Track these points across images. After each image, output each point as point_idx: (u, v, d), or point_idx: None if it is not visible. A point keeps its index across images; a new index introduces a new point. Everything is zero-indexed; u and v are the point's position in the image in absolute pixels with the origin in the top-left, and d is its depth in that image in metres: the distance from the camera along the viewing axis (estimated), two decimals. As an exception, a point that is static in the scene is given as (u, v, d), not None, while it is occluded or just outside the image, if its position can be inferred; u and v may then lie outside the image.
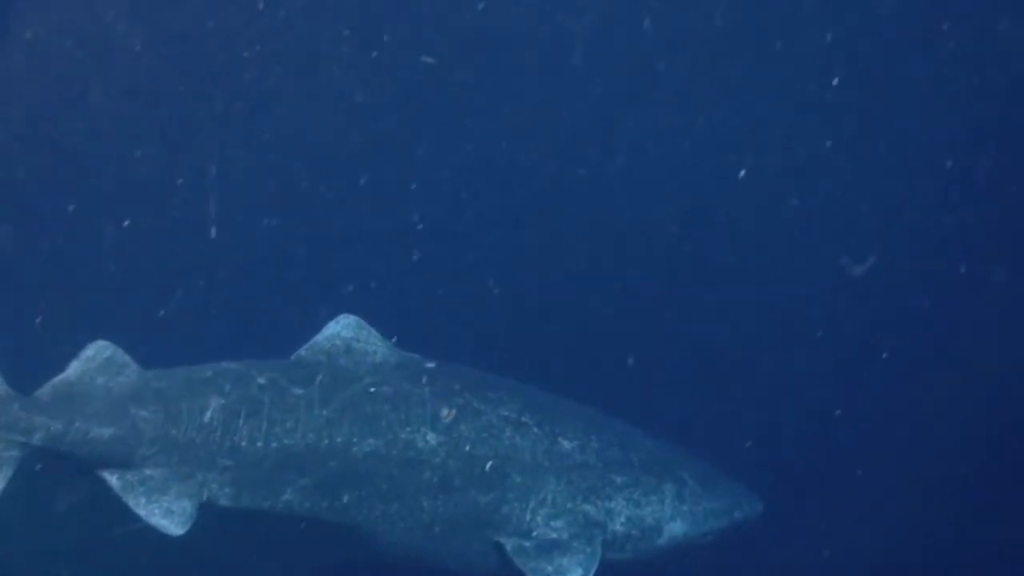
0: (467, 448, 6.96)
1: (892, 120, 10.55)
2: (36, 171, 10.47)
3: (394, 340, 7.37)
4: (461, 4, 11.19)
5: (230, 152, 10.63)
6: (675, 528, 7.25)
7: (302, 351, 7.26)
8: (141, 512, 6.48)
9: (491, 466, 6.97)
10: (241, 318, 9.84)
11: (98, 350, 6.97)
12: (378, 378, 7.08)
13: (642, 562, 7.20)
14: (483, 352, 8.28)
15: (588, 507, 7.07)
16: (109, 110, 10.89)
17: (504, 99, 10.98)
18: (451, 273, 10.36)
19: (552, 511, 7.01)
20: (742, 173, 10.54)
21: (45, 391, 6.78)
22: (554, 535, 6.95)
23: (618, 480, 7.19)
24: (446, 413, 6.96)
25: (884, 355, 9.50)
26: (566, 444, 7.18)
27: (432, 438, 6.93)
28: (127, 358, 6.99)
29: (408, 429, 6.93)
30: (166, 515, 6.48)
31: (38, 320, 9.26)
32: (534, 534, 6.94)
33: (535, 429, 7.15)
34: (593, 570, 6.88)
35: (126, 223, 10.08)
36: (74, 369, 6.90)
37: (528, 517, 6.97)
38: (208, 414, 6.77)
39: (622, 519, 7.12)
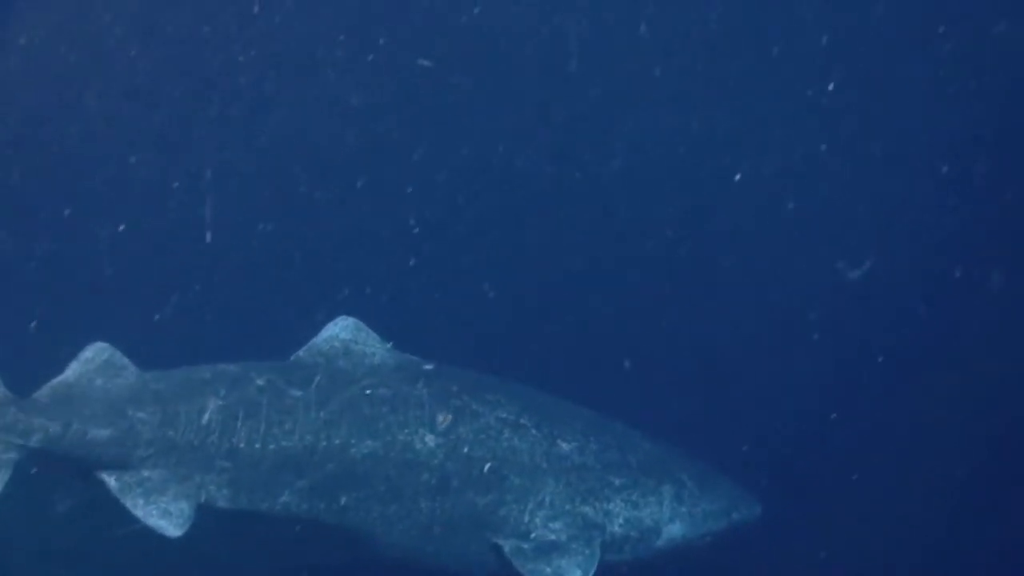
0: (465, 450, 6.96)
1: (888, 124, 10.55)
2: (33, 174, 10.46)
3: (390, 345, 7.35)
4: (456, 7, 11.20)
5: (227, 155, 10.62)
6: (673, 529, 7.25)
7: (300, 353, 7.26)
8: (139, 513, 6.48)
9: (489, 468, 6.96)
10: (239, 321, 9.83)
11: (97, 352, 6.98)
12: (376, 380, 7.08)
13: (640, 563, 7.20)
14: (481, 354, 8.26)
15: (586, 509, 7.07)
16: (105, 113, 10.89)
17: (500, 102, 10.98)
18: (448, 275, 10.36)
19: (550, 513, 7.00)
20: (738, 176, 10.55)
21: (44, 392, 6.79)
22: (552, 537, 6.95)
23: (616, 482, 7.19)
24: (441, 419, 6.94)
25: (880, 358, 9.48)
26: (564, 446, 7.18)
27: (430, 440, 6.93)
28: (125, 360, 7.00)
29: (406, 431, 6.93)
30: (164, 516, 6.49)
31: (33, 324, 9.25)
32: (532, 536, 6.94)
33: (533, 431, 7.14)
34: (591, 572, 6.87)
35: (125, 226, 10.08)
36: (73, 371, 6.91)
37: (526, 519, 6.97)
38: (206, 416, 6.78)
39: (620, 521, 7.12)
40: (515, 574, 6.81)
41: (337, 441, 6.82)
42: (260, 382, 6.93)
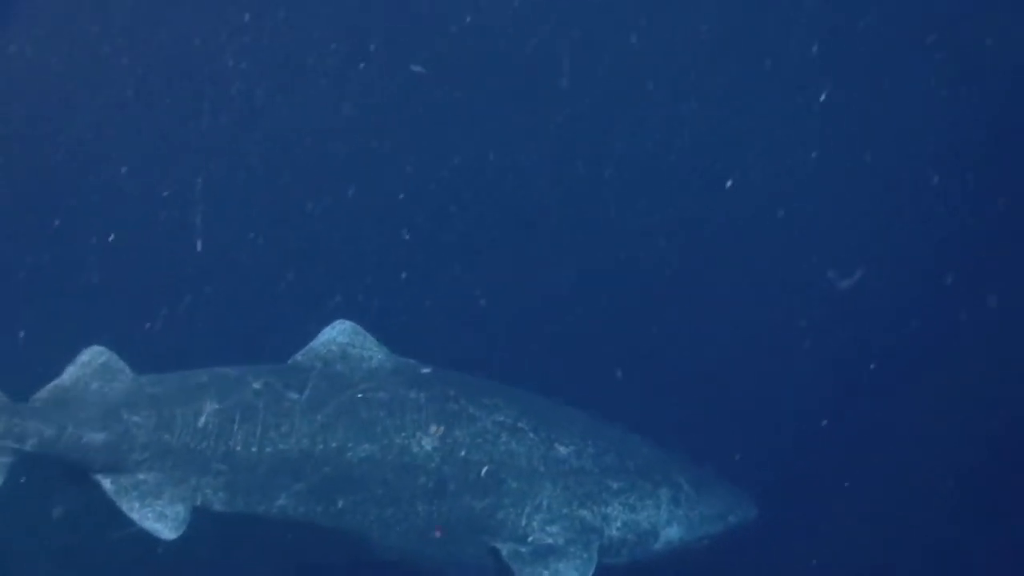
0: (462, 453, 6.95)
1: (879, 132, 10.62)
2: (30, 178, 10.46)
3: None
4: (448, 16, 11.23)
5: (224, 158, 10.63)
6: (671, 533, 7.26)
7: (298, 356, 7.23)
8: (134, 516, 6.49)
9: (487, 471, 6.96)
10: (237, 325, 9.82)
11: (94, 355, 6.97)
12: (373, 384, 7.07)
13: (638, 566, 7.21)
14: (479, 358, 8.27)
15: (584, 512, 7.07)
16: (97, 123, 10.89)
17: (492, 109, 11.02)
18: (445, 279, 10.38)
19: (548, 516, 7.00)
20: (729, 184, 10.60)
21: (40, 396, 6.78)
22: (550, 540, 6.95)
23: (614, 485, 7.19)
24: (434, 430, 6.94)
25: (872, 365, 9.52)
26: (562, 449, 7.17)
27: (427, 443, 6.92)
28: (122, 363, 6.99)
29: (403, 434, 6.92)
30: (159, 519, 6.49)
31: (23, 334, 9.23)
32: (530, 539, 6.93)
33: (531, 434, 7.14)
34: (590, 575, 6.87)
35: (125, 230, 10.08)
36: (69, 374, 6.90)
37: (524, 522, 6.96)
38: (202, 419, 6.77)
39: (618, 524, 7.12)
40: (512, 578, 6.81)
41: (334, 444, 6.81)
42: (257, 385, 6.93)
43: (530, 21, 11.15)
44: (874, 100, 10.65)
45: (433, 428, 6.93)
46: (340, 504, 6.78)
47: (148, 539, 6.47)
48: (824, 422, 9.32)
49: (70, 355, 6.94)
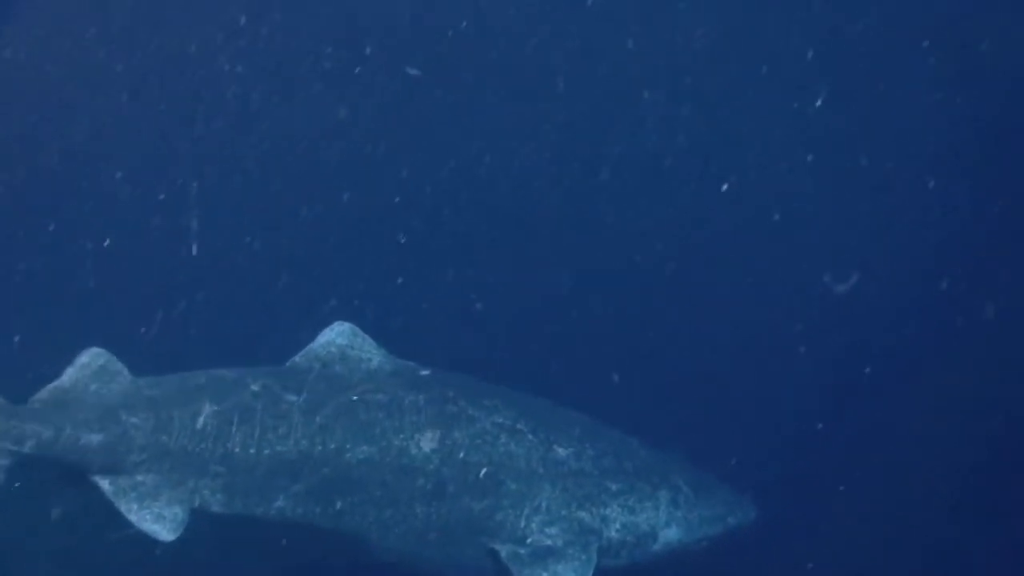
0: (461, 455, 6.95)
1: (876, 136, 10.65)
2: (33, 178, 10.47)
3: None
4: (444, 20, 11.25)
5: (226, 157, 10.64)
6: (670, 534, 7.25)
7: (296, 358, 7.24)
8: (132, 517, 6.49)
9: (485, 473, 6.95)
10: (236, 327, 9.82)
11: (92, 357, 6.99)
12: (372, 386, 7.07)
13: (637, 568, 7.20)
14: (478, 360, 8.27)
15: (583, 514, 7.06)
16: (92, 128, 10.89)
17: (488, 113, 11.03)
18: (444, 281, 10.38)
19: (547, 518, 6.99)
20: (725, 187, 10.62)
21: (40, 397, 6.80)
22: (549, 542, 6.94)
23: (613, 487, 7.19)
24: (429, 437, 6.94)
25: (869, 367, 9.55)
26: (561, 451, 7.17)
27: (426, 445, 6.91)
28: (120, 365, 7.01)
29: (402, 436, 6.92)
30: (157, 521, 6.49)
31: (17, 339, 9.23)
32: (529, 541, 6.93)
33: (530, 436, 7.13)
34: None
35: (125, 233, 10.08)
36: (68, 376, 6.92)
37: (523, 524, 6.96)
38: (200, 420, 6.77)
39: (617, 526, 7.12)
40: (512, 580, 6.81)
41: (332, 446, 6.81)
42: (255, 387, 6.93)
43: (526, 24, 11.18)
44: (870, 104, 10.68)
45: (429, 434, 6.92)
46: (338, 506, 6.78)
47: (146, 540, 6.47)
48: (823, 423, 9.33)
49: (69, 358, 6.94)
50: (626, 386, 9.25)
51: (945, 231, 10.23)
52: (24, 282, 10.10)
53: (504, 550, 6.88)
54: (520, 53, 11.07)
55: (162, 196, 10.44)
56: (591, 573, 6.89)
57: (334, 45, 11.40)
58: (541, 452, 7.11)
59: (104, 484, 6.54)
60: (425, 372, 7.27)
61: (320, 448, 6.79)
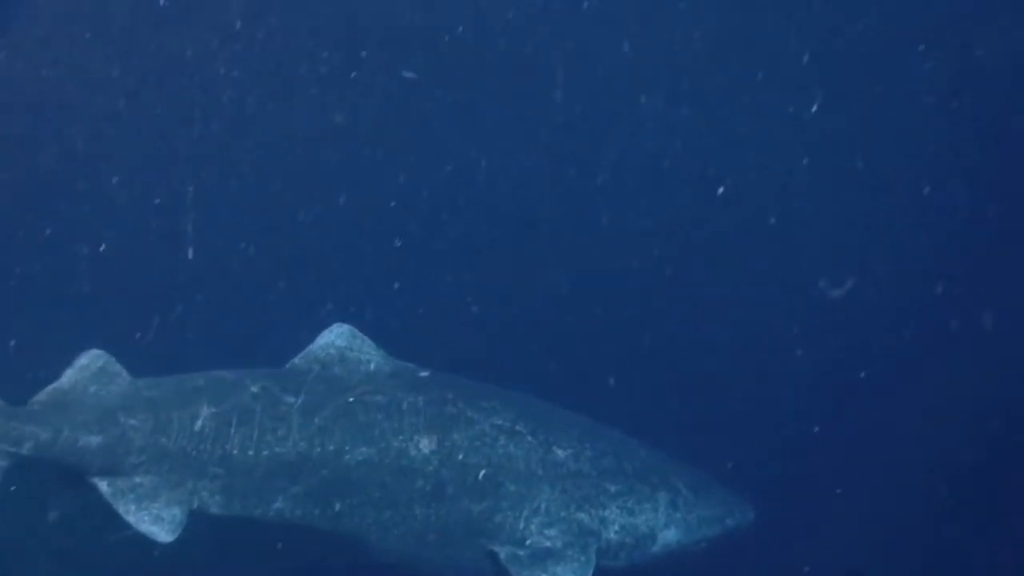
0: (460, 457, 6.95)
1: (871, 141, 10.69)
2: (36, 176, 10.49)
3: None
4: (440, 24, 11.27)
5: (228, 157, 10.65)
6: (669, 536, 7.25)
7: (296, 360, 7.25)
8: (131, 519, 6.50)
9: (484, 475, 6.96)
10: (235, 330, 9.82)
11: (92, 359, 7.00)
12: (371, 387, 7.07)
13: (636, 569, 7.21)
14: (477, 361, 8.27)
15: (582, 515, 7.07)
16: (89, 131, 10.90)
17: (485, 116, 11.05)
18: (440, 284, 10.40)
19: (546, 519, 7.00)
20: (721, 190, 10.65)
21: (40, 398, 6.81)
22: (548, 543, 6.94)
23: (612, 489, 7.19)
24: (425, 443, 6.94)
25: (870, 367, 9.57)
26: (560, 453, 7.17)
27: (425, 447, 6.91)
28: (119, 367, 7.02)
29: (401, 438, 6.92)
30: (155, 522, 6.49)
31: (12, 343, 9.22)
32: (528, 542, 6.93)
33: (529, 438, 7.14)
34: None
35: (125, 236, 10.09)
36: (67, 377, 6.94)
37: (522, 525, 6.96)
38: (199, 422, 6.78)
39: (616, 527, 7.12)
40: (511, 581, 6.81)
41: (331, 448, 6.81)
42: (254, 389, 6.94)
43: (522, 28, 11.18)
44: (866, 108, 10.71)
45: (425, 441, 6.92)
46: (337, 507, 6.78)
47: (145, 542, 6.47)
48: (821, 424, 9.35)
49: (68, 359, 6.96)
50: (624, 387, 9.26)
51: (941, 234, 10.25)
52: (24, 284, 10.10)
53: (503, 551, 6.88)
54: (516, 56, 11.08)
55: (162, 198, 10.44)
56: (590, 574, 6.89)
57: (330, 49, 11.39)
58: (540, 454, 7.12)
59: (103, 485, 6.55)
60: (424, 374, 7.28)
61: (319, 450, 6.79)
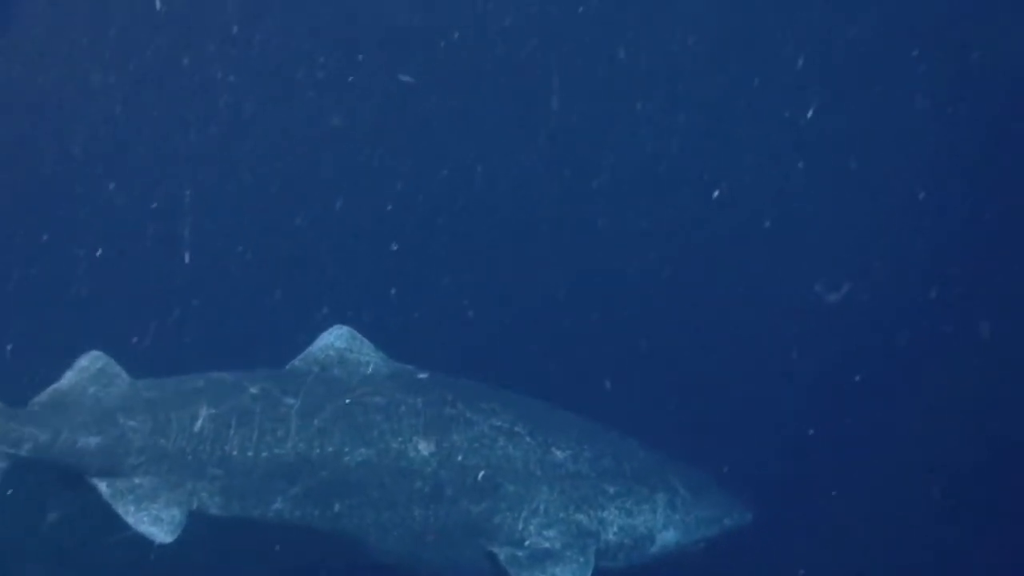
0: (459, 458, 6.96)
1: (865, 146, 10.73)
2: (39, 177, 10.51)
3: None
4: (436, 29, 11.30)
5: (231, 160, 10.68)
6: (667, 537, 7.27)
7: (295, 361, 7.26)
8: (130, 520, 6.50)
9: (483, 476, 6.97)
10: (234, 333, 9.82)
11: (92, 360, 7.02)
12: (370, 389, 7.08)
13: (634, 570, 7.23)
14: (476, 363, 8.28)
15: (581, 516, 7.08)
16: (90, 133, 10.92)
17: (481, 119, 11.08)
18: (439, 286, 10.42)
19: (545, 520, 7.01)
20: (716, 194, 10.69)
21: (40, 399, 6.83)
22: (547, 544, 6.95)
23: (611, 490, 7.21)
24: (424, 447, 6.95)
25: (869, 368, 9.61)
26: (559, 454, 7.19)
27: (424, 448, 6.92)
28: (119, 368, 7.03)
29: (400, 439, 6.93)
30: (154, 523, 6.49)
31: (8, 348, 9.23)
32: (527, 543, 6.94)
33: (528, 439, 7.15)
34: None
35: (121, 242, 10.12)
36: (68, 379, 6.95)
37: (521, 526, 6.97)
38: (198, 423, 6.78)
39: (615, 528, 7.14)
40: (510, 582, 6.82)
41: (331, 449, 6.82)
42: (254, 390, 6.94)
43: (519, 33, 11.23)
44: (860, 114, 10.75)
45: (423, 444, 6.93)
46: (337, 508, 6.79)
47: (144, 542, 6.46)
48: (820, 424, 9.37)
49: (69, 361, 6.98)
50: (623, 388, 9.28)
51: (940, 235, 10.29)
52: (24, 286, 10.11)
53: (502, 552, 6.89)
54: (513, 61, 11.13)
55: (163, 200, 10.45)
56: (589, 575, 6.90)
57: (326, 53, 11.42)
58: (539, 455, 7.13)
59: (102, 486, 6.55)
60: (423, 375, 7.29)
61: (318, 451, 6.80)
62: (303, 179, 10.89)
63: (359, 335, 7.34)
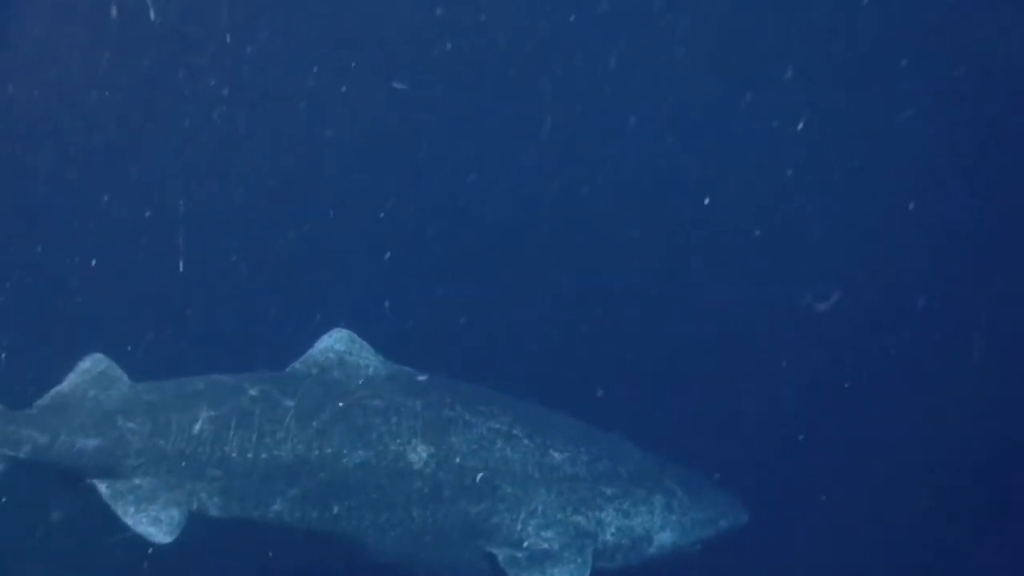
0: (458, 460, 7.00)
1: (860, 152, 10.80)
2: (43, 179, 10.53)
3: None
4: (430, 37, 11.35)
5: (234, 158, 10.72)
6: (664, 537, 7.32)
7: (295, 364, 7.29)
8: (129, 520, 6.53)
9: (482, 477, 7.01)
10: (236, 333, 9.84)
11: (93, 363, 7.08)
12: (369, 391, 7.12)
13: (632, 571, 7.26)
14: (475, 366, 8.32)
15: (578, 518, 7.12)
16: (80, 145, 10.94)
17: (475, 127, 11.13)
18: (438, 288, 10.45)
19: (543, 522, 7.05)
20: (706, 201, 10.74)
21: (42, 402, 6.89)
22: (545, 545, 6.99)
23: (608, 491, 7.25)
24: (422, 450, 6.98)
25: (868, 368, 9.66)
26: (556, 456, 7.23)
27: (423, 450, 6.96)
28: (120, 371, 7.09)
29: (399, 441, 6.96)
30: (154, 523, 6.52)
31: (19, 345, 9.24)
32: (525, 544, 6.97)
33: (526, 441, 7.20)
34: None
35: (127, 240, 10.13)
36: (69, 381, 7.01)
37: (519, 527, 7.01)
38: (198, 425, 6.81)
39: (612, 529, 7.18)
40: (508, 582, 6.84)
41: (329, 450, 6.85)
42: (253, 392, 6.98)
43: (512, 42, 11.28)
44: (855, 121, 10.82)
45: (422, 448, 6.96)
46: (335, 510, 6.81)
47: (143, 543, 6.48)
48: (818, 425, 9.40)
49: (71, 364, 7.02)
50: (620, 391, 9.30)
51: (940, 236, 10.35)
52: (27, 289, 10.12)
53: (501, 553, 6.93)
54: (507, 69, 11.18)
55: (165, 204, 10.48)
56: None
57: (320, 63, 11.46)
58: (537, 457, 7.18)
59: (102, 487, 6.59)
60: (422, 378, 7.33)
61: (317, 453, 6.83)
62: (303, 183, 10.91)
63: (358, 338, 7.38)
